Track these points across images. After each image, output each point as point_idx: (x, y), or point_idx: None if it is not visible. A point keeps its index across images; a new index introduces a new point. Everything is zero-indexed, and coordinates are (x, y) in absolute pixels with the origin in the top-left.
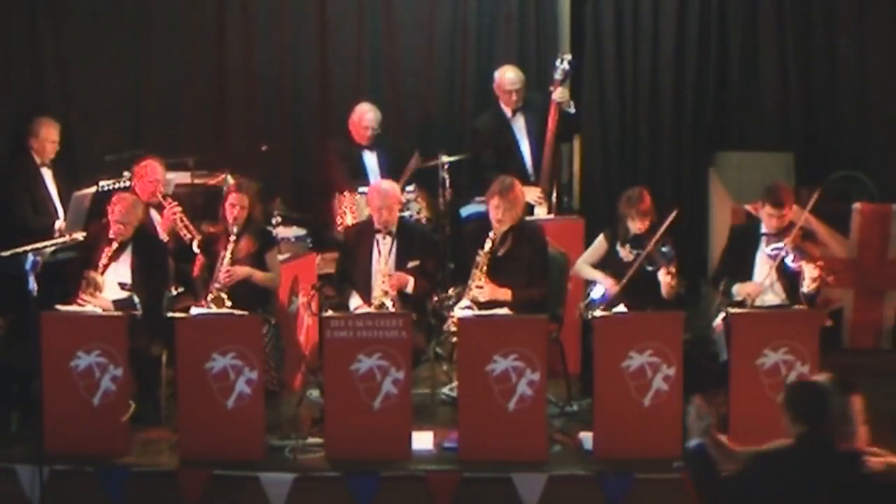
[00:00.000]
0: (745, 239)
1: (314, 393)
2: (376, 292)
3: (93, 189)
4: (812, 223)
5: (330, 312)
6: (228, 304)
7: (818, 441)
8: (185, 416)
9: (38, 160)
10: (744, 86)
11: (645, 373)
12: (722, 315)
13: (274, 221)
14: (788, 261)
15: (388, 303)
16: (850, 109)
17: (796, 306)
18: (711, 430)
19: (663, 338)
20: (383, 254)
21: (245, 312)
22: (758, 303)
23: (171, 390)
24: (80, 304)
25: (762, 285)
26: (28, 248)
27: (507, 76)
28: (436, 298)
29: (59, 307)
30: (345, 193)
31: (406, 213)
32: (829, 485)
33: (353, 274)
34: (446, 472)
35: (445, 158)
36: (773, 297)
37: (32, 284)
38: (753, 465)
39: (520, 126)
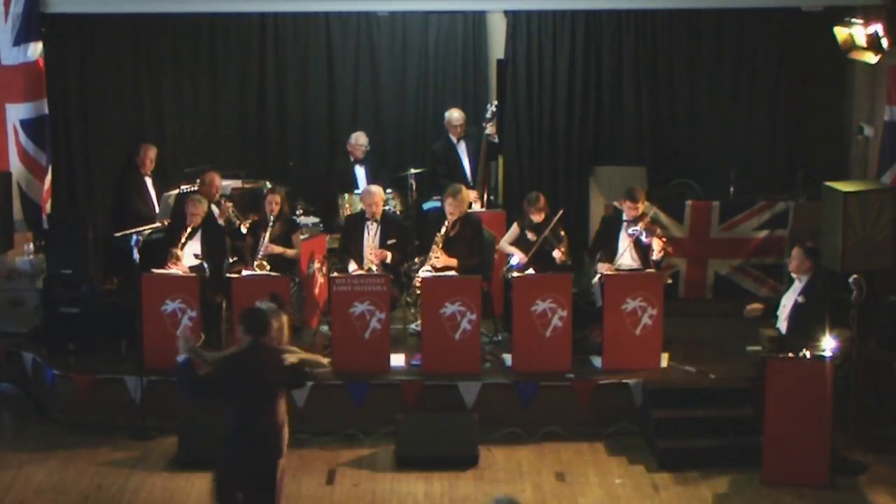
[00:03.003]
0: (612, 225)
1: (325, 328)
2: (366, 261)
3: (176, 191)
4: (658, 213)
5: (335, 274)
6: (267, 268)
7: (259, 346)
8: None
9: (142, 171)
10: (612, 122)
11: (546, 314)
12: (598, 276)
13: (297, 213)
14: (642, 238)
15: (374, 268)
16: (684, 137)
17: (647, 270)
18: (195, 347)
19: (558, 291)
20: (371, 234)
21: (278, 274)
22: (622, 268)
23: (228, 326)
24: (167, 269)
25: (614, 265)
26: (132, 230)
27: (454, 115)
28: (406, 264)
29: (154, 270)
30: (345, 194)
31: (387, 207)
32: (264, 371)
33: (351, 248)
34: (414, 381)
35: (412, 171)
36: (632, 262)
37: (135, 255)
38: (222, 364)
39: (462, 149)
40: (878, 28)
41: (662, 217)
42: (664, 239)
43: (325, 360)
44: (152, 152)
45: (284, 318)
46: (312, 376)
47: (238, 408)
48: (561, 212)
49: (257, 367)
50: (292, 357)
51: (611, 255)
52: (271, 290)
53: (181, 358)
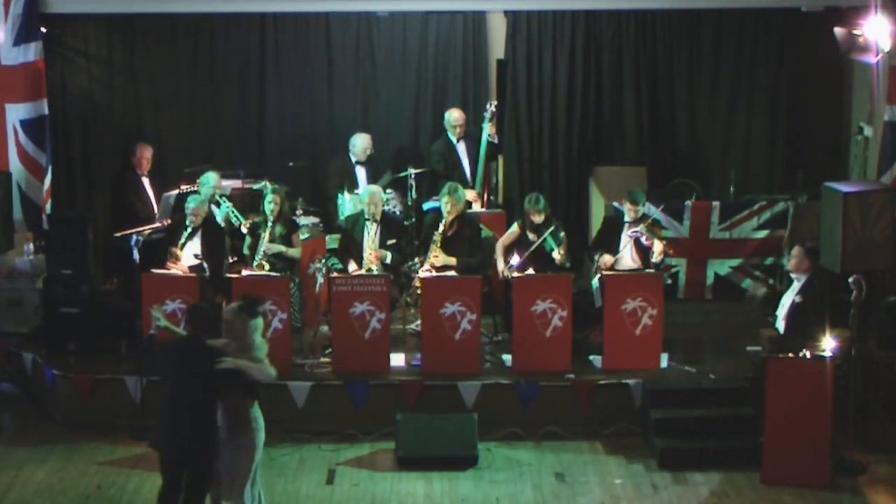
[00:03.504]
0: (613, 225)
1: (325, 328)
2: (366, 261)
3: (176, 191)
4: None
5: (335, 274)
6: (267, 268)
7: (194, 340)
8: None
9: (138, 172)
10: (613, 122)
11: (546, 314)
12: (598, 276)
13: (297, 213)
14: (642, 240)
15: (374, 268)
16: (684, 137)
17: (647, 270)
18: (169, 325)
19: (559, 291)
20: (371, 234)
21: (278, 274)
22: (622, 268)
23: None
24: (167, 269)
25: (614, 259)
26: (132, 231)
27: (454, 115)
28: (406, 264)
29: (154, 270)
30: (345, 194)
31: (387, 207)
32: (189, 365)
33: (351, 248)
34: (413, 381)
35: (412, 170)
36: (632, 263)
37: (135, 255)
38: (160, 347)
39: (462, 149)
40: (877, 28)
41: (662, 218)
42: (665, 241)
43: (274, 372)
44: (148, 152)
45: (253, 322)
46: (255, 386)
47: (164, 393)
48: (552, 228)
49: (183, 359)
50: (230, 362)
51: (611, 254)
52: (253, 293)
53: (151, 332)
